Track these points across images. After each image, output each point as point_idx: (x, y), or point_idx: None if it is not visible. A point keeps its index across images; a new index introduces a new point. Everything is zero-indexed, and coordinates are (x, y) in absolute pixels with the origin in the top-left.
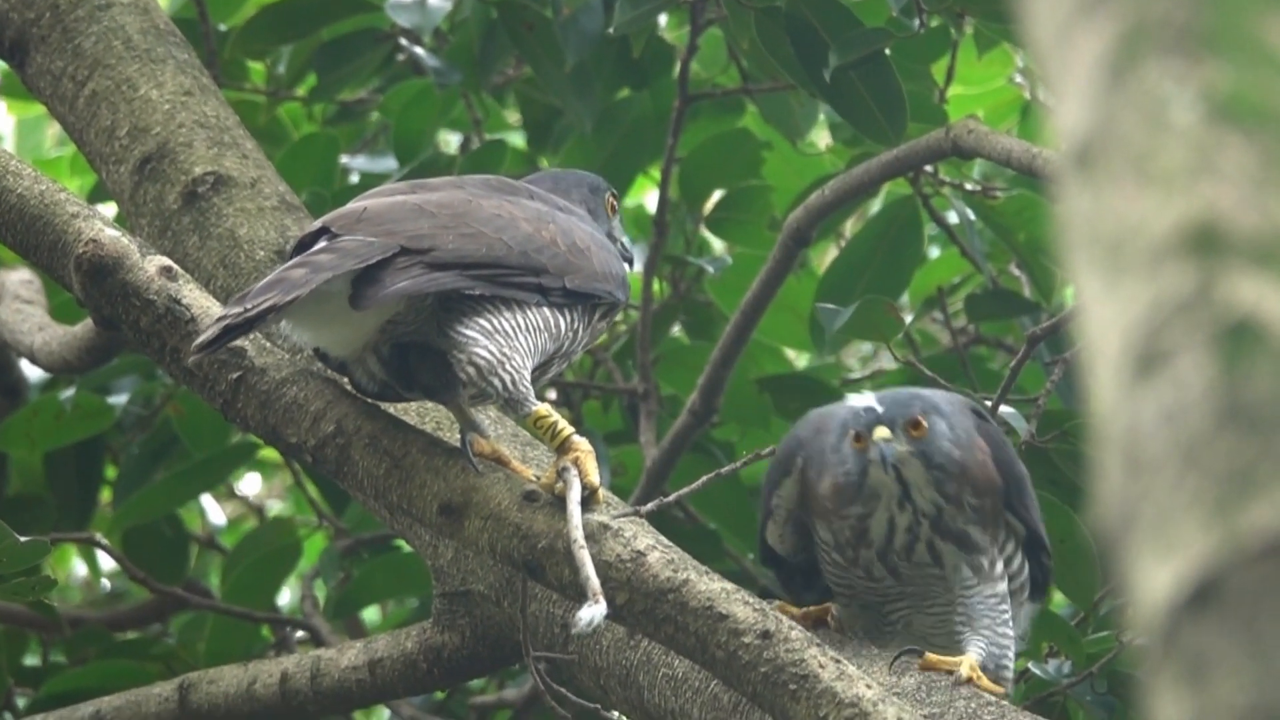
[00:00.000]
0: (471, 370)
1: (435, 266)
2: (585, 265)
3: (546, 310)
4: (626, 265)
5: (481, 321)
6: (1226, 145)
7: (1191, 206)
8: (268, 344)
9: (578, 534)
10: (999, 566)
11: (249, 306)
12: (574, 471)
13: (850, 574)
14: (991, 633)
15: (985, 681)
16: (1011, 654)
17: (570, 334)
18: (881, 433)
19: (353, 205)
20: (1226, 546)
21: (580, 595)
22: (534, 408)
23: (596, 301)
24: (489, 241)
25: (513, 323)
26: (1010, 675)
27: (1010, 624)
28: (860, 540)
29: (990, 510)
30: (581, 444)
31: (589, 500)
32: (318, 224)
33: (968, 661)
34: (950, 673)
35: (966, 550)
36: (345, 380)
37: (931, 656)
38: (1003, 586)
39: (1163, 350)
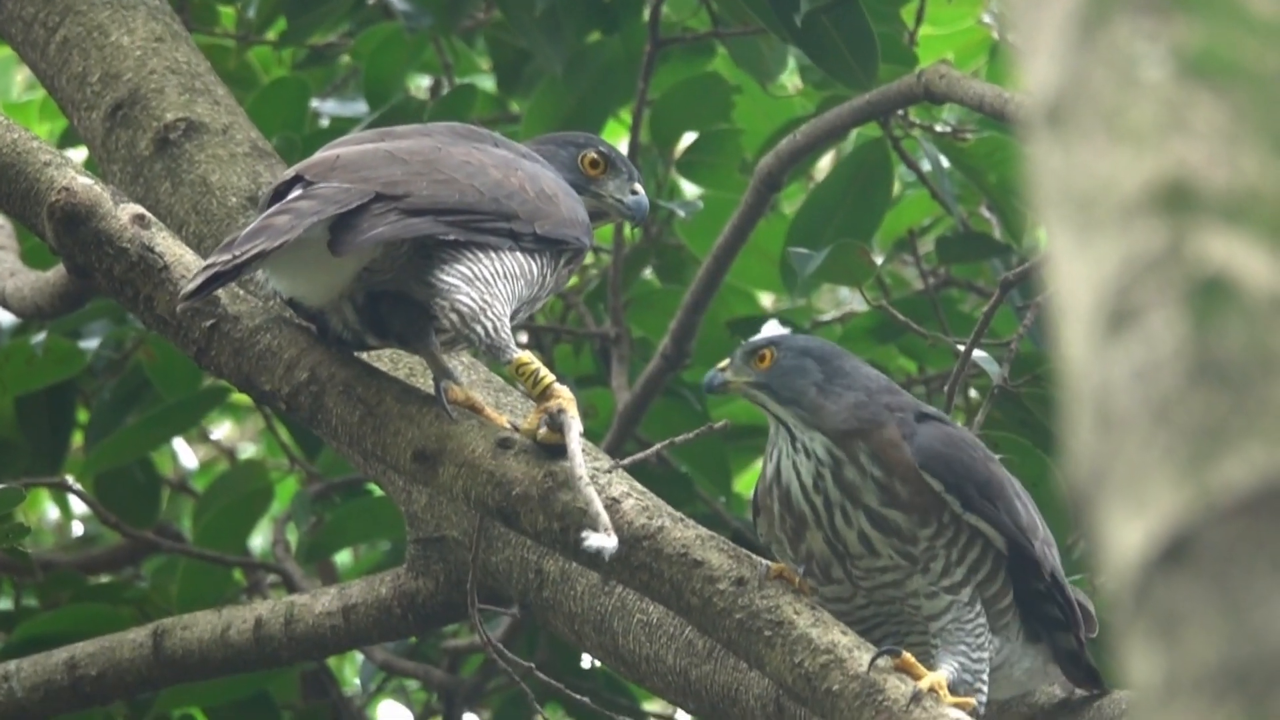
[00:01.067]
0: (454, 317)
1: (410, 212)
2: (554, 211)
3: (520, 256)
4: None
5: (461, 269)
6: (1197, 102)
7: (1162, 163)
8: (241, 292)
9: (582, 471)
10: (954, 571)
11: (237, 254)
12: (570, 413)
13: (823, 590)
14: (966, 658)
15: (948, 696)
16: (985, 680)
17: (540, 280)
18: (721, 363)
19: (324, 154)
20: (1198, 503)
21: (593, 526)
22: (516, 354)
23: (564, 247)
24: (461, 187)
25: (491, 270)
26: (984, 697)
27: (986, 652)
28: (799, 534)
29: (912, 496)
30: (563, 391)
31: (565, 448)
32: (291, 172)
33: (931, 678)
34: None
35: (885, 534)
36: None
37: (909, 657)
38: (966, 594)
39: (1134, 307)
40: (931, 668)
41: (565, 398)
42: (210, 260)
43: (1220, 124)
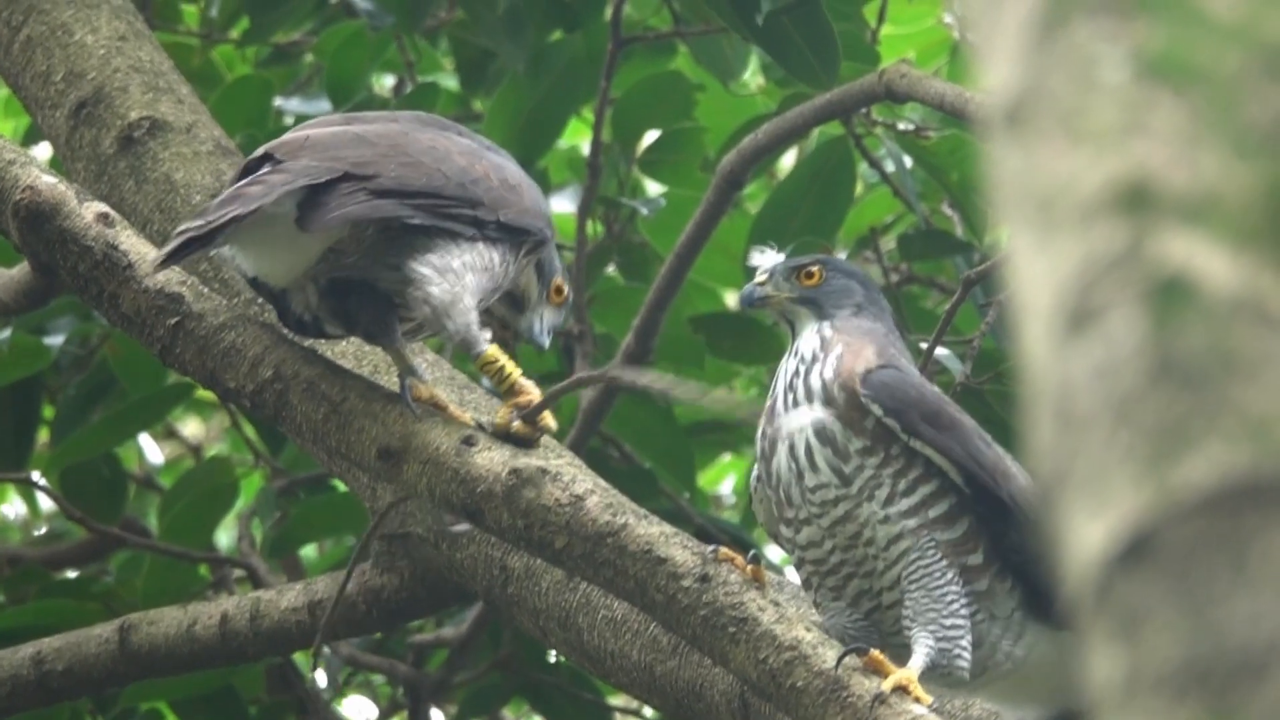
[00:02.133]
0: (427, 310)
1: (378, 193)
2: (517, 200)
3: (482, 247)
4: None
5: (433, 259)
6: (1156, 103)
7: (1122, 164)
8: (205, 289)
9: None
10: (899, 500)
11: (211, 219)
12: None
13: (792, 536)
14: (938, 625)
15: (917, 691)
16: (966, 641)
17: (503, 270)
18: (758, 278)
19: (294, 134)
20: (1159, 502)
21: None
22: (484, 348)
23: (525, 237)
24: (428, 171)
25: (460, 262)
26: (965, 663)
27: (962, 619)
28: (773, 449)
29: (847, 407)
30: (531, 388)
31: (538, 441)
32: (260, 151)
33: (898, 676)
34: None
35: (822, 441)
36: (276, 315)
37: (877, 655)
38: (925, 537)
39: (1094, 307)
40: (906, 646)
41: (534, 394)
42: (184, 226)
43: (1180, 125)
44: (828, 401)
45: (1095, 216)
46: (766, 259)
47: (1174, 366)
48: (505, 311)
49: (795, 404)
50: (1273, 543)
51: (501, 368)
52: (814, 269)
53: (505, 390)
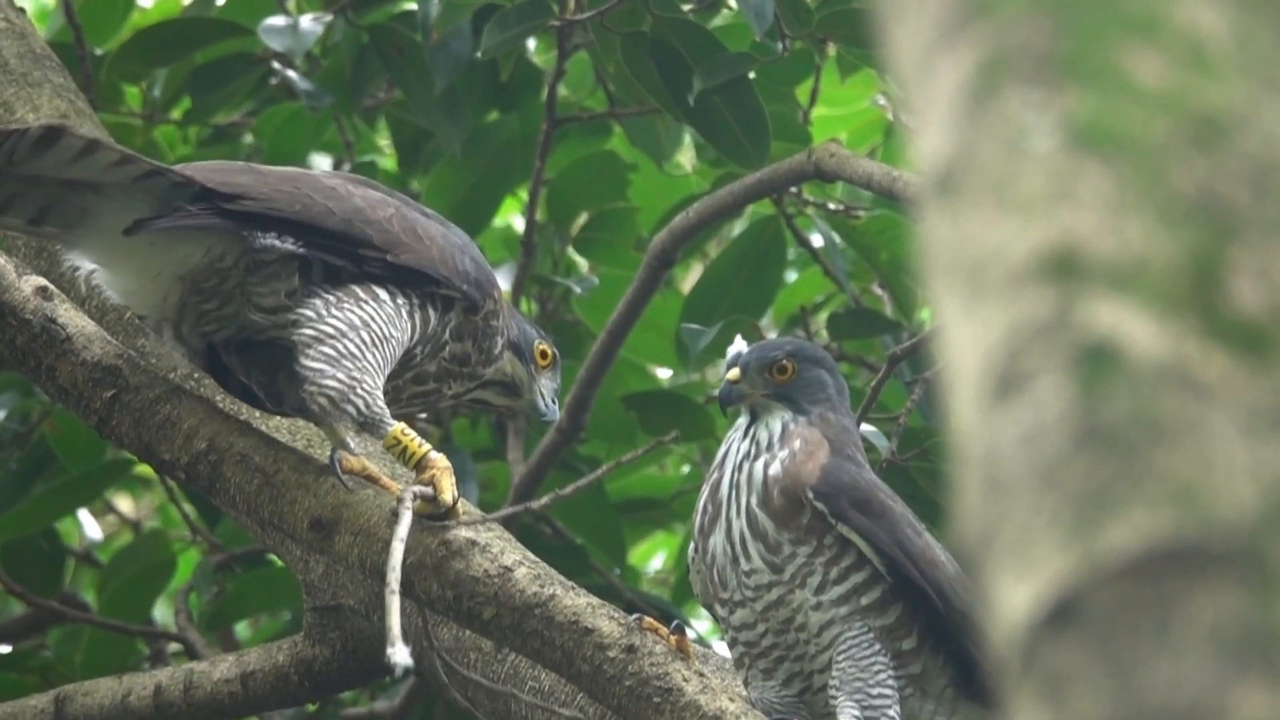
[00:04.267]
0: (324, 401)
1: (234, 214)
2: (421, 249)
3: (391, 313)
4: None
5: (325, 350)
6: (1085, 172)
7: (1050, 232)
8: (141, 362)
9: (394, 578)
10: (830, 589)
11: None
12: (409, 505)
13: (727, 616)
14: (864, 694)
15: None
16: (894, 711)
17: (421, 331)
18: (729, 374)
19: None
20: (1084, 566)
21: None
22: (390, 428)
23: (434, 290)
24: (308, 203)
25: (357, 342)
26: None
27: (889, 689)
28: (712, 526)
29: (785, 507)
30: (439, 460)
31: (446, 515)
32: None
33: None
34: None
35: (754, 535)
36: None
37: None
38: (857, 624)
39: (1022, 373)
40: (830, 716)
41: (440, 467)
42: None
43: (1107, 193)
44: (764, 500)
45: (1023, 284)
46: (737, 347)
47: (1099, 432)
48: (505, 402)
49: (736, 489)
50: (1195, 607)
51: (409, 443)
52: (786, 364)
53: (414, 465)
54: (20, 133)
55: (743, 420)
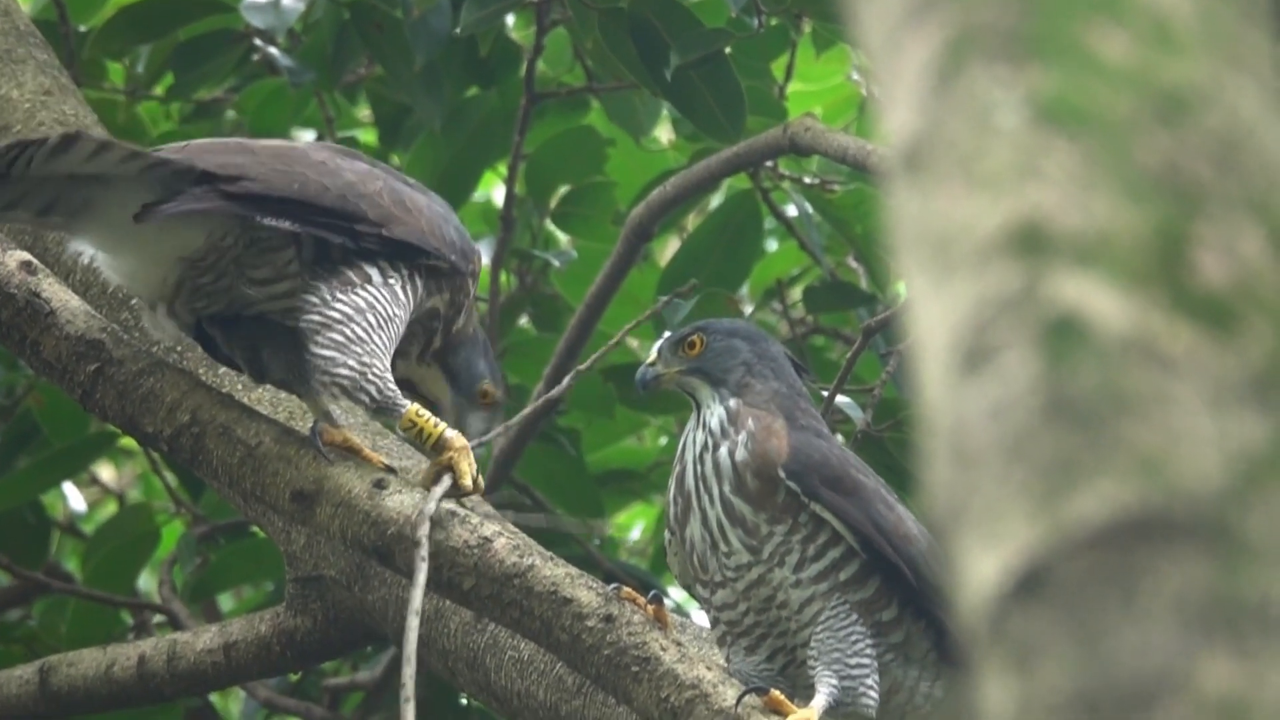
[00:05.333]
0: (337, 390)
1: (235, 195)
2: (411, 221)
3: (390, 293)
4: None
5: (334, 336)
6: (1050, 148)
7: (1017, 207)
8: (125, 336)
9: (430, 507)
10: (808, 565)
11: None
12: (436, 500)
13: (708, 597)
14: (842, 664)
15: None
16: (872, 680)
17: (418, 304)
18: (648, 358)
19: (175, 145)
20: (1051, 536)
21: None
22: (404, 410)
23: (424, 260)
24: (303, 179)
25: (365, 326)
26: (871, 701)
27: (867, 658)
28: (685, 518)
29: (759, 490)
30: (456, 440)
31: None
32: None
33: (796, 717)
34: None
35: (732, 522)
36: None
37: (776, 694)
38: (835, 599)
39: (989, 346)
40: (811, 687)
41: (458, 447)
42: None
43: (1073, 169)
44: (738, 487)
45: (990, 258)
46: (659, 341)
47: (1066, 405)
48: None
49: (703, 483)
50: (1161, 577)
51: (420, 429)
52: (694, 338)
53: (432, 447)
54: (39, 143)
55: (693, 414)
